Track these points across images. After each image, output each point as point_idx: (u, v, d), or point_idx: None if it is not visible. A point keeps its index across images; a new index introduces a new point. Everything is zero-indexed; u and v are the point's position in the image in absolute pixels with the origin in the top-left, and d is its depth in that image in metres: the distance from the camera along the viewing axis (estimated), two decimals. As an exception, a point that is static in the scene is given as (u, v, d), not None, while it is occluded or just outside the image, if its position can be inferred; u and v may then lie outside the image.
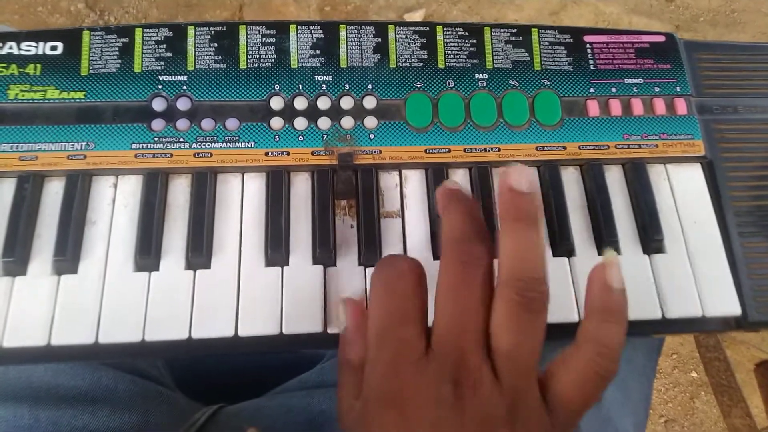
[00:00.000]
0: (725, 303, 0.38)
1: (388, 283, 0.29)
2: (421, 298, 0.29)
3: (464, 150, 0.40)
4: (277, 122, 0.40)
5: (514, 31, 0.43)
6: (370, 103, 0.41)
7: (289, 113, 0.40)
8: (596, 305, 0.28)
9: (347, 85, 0.41)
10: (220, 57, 0.41)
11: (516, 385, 0.27)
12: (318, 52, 0.41)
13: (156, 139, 0.39)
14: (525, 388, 0.27)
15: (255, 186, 0.39)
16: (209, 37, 0.41)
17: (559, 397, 0.27)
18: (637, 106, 0.42)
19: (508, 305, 0.27)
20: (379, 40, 0.42)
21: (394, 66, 0.42)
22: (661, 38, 0.44)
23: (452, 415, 0.26)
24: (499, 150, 0.40)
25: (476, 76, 0.42)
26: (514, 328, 0.27)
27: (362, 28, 0.42)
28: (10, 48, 0.40)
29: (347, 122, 0.40)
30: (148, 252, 0.36)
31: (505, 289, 0.27)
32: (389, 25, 0.43)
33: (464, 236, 0.29)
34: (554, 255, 0.38)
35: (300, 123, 0.40)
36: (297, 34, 0.42)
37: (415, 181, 0.40)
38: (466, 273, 0.28)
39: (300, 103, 0.40)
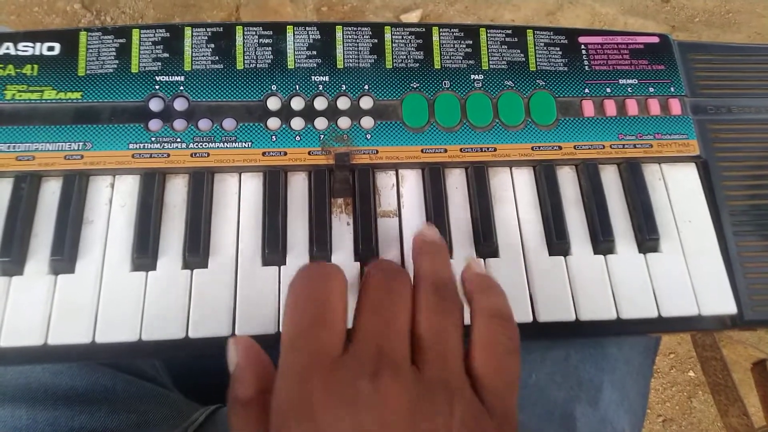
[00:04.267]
0: (721, 302, 0.38)
1: (304, 288, 0.28)
2: (339, 302, 0.28)
3: (460, 150, 0.40)
4: (274, 122, 0.40)
5: (510, 32, 0.43)
6: (366, 103, 0.41)
7: (286, 113, 0.40)
8: (475, 287, 0.31)
9: (344, 86, 0.41)
10: (217, 57, 0.41)
11: (446, 378, 0.26)
12: (315, 52, 0.42)
13: (153, 139, 0.39)
14: (456, 380, 0.27)
15: (252, 186, 0.39)
16: (206, 37, 0.41)
17: (482, 381, 0.27)
18: (632, 107, 0.42)
19: (427, 296, 0.28)
20: (376, 41, 0.42)
21: (391, 67, 0.42)
22: (655, 39, 0.44)
23: (373, 413, 0.24)
24: (495, 150, 0.40)
25: (472, 76, 0.42)
26: (436, 312, 0.28)
27: (359, 29, 0.42)
28: (7, 48, 0.40)
29: (344, 122, 0.40)
30: (145, 251, 0.36)
31: (423, 287, 0.29)
32: (385, 26, 0.43)
33: (386, 261, 0.31)
34: (550, 254, 0.38)
35: (297, 123, 0.40)
36: (294, 34, 0.42)
37: (411, 181, 0.40)
38: (389, 281, 0.28)
39: (297, 104, 0.40)
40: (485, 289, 0.30)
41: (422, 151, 0.40)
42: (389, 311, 0.27)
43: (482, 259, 0.38)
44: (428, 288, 0.29)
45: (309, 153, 0.39)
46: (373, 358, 0.25)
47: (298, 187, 0.39)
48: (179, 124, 0.39)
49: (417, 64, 0.42)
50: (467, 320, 0.30)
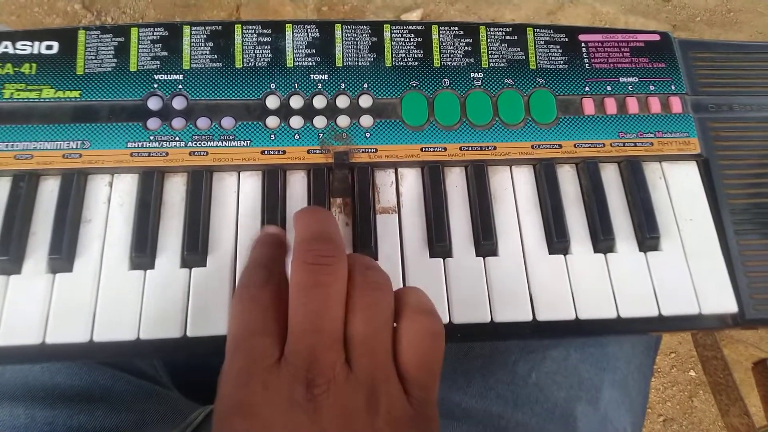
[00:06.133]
0: (722, 300, 0.38)
1: (249, 293, 0.29)
2: (280, 307, 0.28)
3: (460, 148, 0.40)
4: (272, 121, 0.40)
5: (510, 30, 0.43)
6: (365, 101, 0.41)
7: (284, 112, 0.40)
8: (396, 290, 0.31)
9: (343, 84, 0.41)
10: (215, 56, 0.41)
11: (372, 372, 0.27)
12: (314, 51, 0.41)
13: (151, 137, 0.38)
14: (382, 375, 0.27)
15: (251, 184, 0.39)
16: (205, 36, 0.41)
17: (406, 372, 0.28)
18: (633, 105, 0.42)
19: (357, 289, 0.28)
20: (375, 39, 0.42)
21: (390, 65, 0.42)
22: (656, 37, 0.44)
23: (308, 418, 0.26)
24: (494, 148, 0.40)
25: (472, 74, 0.42)
26: (364, 308, 0.28)
27: (358, 27, 0.42)
28: (6, 47, 0.40)
29: (343, 121, 0.40)
30: (143, 250, 0.36)
31: (352, 277, 0.29)
32: (385, 24, 0.43)
33: (313, 236, 0.30)
34: (550, 253, 0.38)
35: (296, 122, 0.40)
36: (293, 33, 0.42)
37: (411, 180, 0.40)
38: (317, 272, 0.28)
39: (296, 102, 0.40)
40: (407, 287, 0.31)
41: (422, 149, 0.40)
42: (319, 311, 0.27)
43: (482, 258, 0.38)
44: (359, 278, 0.29)
45: (308, 152, 0.39)
46: (306, 365, 0.26)
47: (297, 186, 0.39)
48: (178, 122, 0.39)
49: (416, 63, 0.42)
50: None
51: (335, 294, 0.28)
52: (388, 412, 0.27)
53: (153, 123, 0.39)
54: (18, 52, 0.40)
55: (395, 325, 0.29)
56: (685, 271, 0.38)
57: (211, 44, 0.41)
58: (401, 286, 0.37)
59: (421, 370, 0.28)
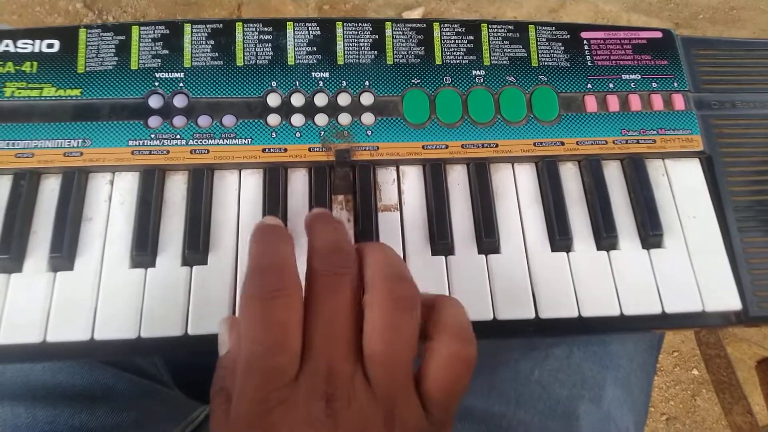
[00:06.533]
0: (725, 298, 0.37)
1: (261, 307, 0.27)
2: (295, 319, 0.27)
3: (462, 146, 0.40)
4: (274, 119, 0.39)
5: (511, 27, 0.43)
6: (367, 99, 0.40)
7: (286, 110, 0.40)
8: (438, 296, 0.29)
9: (344, 82, 0.41)
10: (216, 54, 0.41)
11: (391, 391, 0.26)
12: (315, 49, 0.41)
13: (153, 136, 0.38)
14: (401, 393, 0.27)
15: (252, 182, 0.39)
16: (206, 34, 0.41)
17: (429, 392, 0.27)
18: (635, 102, 0.42)
19: (379, 306, 0.27)
20: (376, 36, 0.42)
21: (392, 63, 0.41)
22: (659, 34, 0.44)
23: None
24: (496, 146, 0.40)
25: (473, 72, 0.42)
26: (386, 329, 0.26)
27: (359, 25, 0.42)
28: (7, 46, 0.40)
29: (344, 119, 0.40)
30: (144, 248, 0.35)
31: (375, 290, 0.27)
32: (386, 22, 0.42)
33: (328, 246, 0.29)
34: (553, 251, 0.38)
35: (297, 119, 0.40)
36: (294, 31, 0.42)
37: (412, 177, 0.40)
38: (332, 282, 0.27)
39: (297, 100, 0.40)
40: (451, 300, 0.29)
41: (423, 147, 0.40)
42: (334, 320, 0.27)
43: (484, 256, 0.37)
44: (381, 294, 0.27)
45: (309, 149, 0.39)
46: (324, 379, 0.26)
47: (298, 184, 0.39)
48: (179, 120, 0.39)
49: (418, 60, 0.42)
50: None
51: (349, 303, 0.27)
52: (406, 429, 0.26)
53: (154, 121, 0.39)
54: (19, 50, 0.40)
55: (426, 335, 0.28)
56: (688, 268, 0.38)
57: (212, 42, 0.41)
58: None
59: (445, 393, 0.27)
